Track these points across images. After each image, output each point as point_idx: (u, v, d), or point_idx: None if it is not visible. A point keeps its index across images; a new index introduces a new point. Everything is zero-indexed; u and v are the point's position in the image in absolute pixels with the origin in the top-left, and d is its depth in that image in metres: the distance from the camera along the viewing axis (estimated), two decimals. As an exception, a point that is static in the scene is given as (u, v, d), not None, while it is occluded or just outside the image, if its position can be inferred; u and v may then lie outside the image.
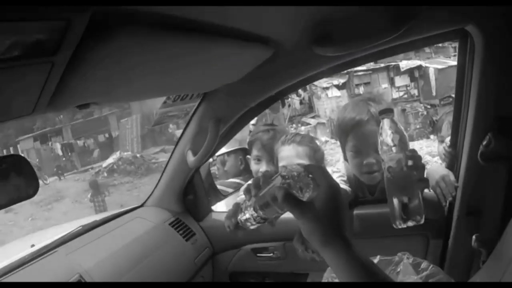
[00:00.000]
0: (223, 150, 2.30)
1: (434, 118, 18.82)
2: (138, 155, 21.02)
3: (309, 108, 21.44)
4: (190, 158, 1.67)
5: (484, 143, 1.31)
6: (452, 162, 1.53)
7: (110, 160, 20.90)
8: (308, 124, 19.66)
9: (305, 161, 1.81)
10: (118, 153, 21.81)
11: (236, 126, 1.74)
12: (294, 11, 1.01)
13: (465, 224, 1.50)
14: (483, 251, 1.37)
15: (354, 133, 1.63)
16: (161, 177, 2.04)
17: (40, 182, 0.82)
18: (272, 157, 2.02)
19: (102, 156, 23.15)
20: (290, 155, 1.85)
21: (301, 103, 21.29)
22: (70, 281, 1.38)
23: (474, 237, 1.40)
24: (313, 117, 20.36)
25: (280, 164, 1.87)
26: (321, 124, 19.15)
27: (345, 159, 1.74)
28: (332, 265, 0.72)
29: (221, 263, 2.07)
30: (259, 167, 2.08)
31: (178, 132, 24.33)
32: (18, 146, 25.27)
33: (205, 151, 1.56)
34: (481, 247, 1.37)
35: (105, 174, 19.74)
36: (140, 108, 24.39)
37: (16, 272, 1.36)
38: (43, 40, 0.59)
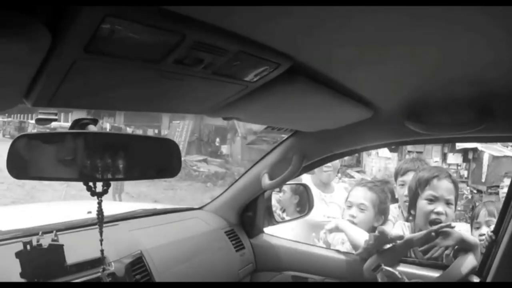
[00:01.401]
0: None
1: (477, 204, 18.17)
2: (182, 158, 21.01)
3: (357, 161, 21.21)
4: (266, 181, 1.83)
5: None
6: (491, 246, 1.67)
7: (155, 155, 21.18)
8: (352, 177, 19.38)
9: (367, 204, 2.09)
10: (164, 152, 21.99)
11: (314, 165, 1.94)
12: (398, 84, 1.19)
13: None
14: None
15: (434, 184, 1.92)
16: (228, 188, 2.21)
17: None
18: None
19: (147, 151, 23.52)
20: (359, 195, 2.14)
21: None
22: (132, 254, 1.47)
23: None
24: (358, 171, 20.11)
25: (348, 199, 2.18)
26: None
27: (409, 216, 2.03)
28: None
29: (259, 281, 2.18)
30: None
31: (224, 147, 24.62)
32: (70, 114, 25.99)
33: (283, 179, 1.72)
34: None
35: (146, 168, 20.02)
36: (194, 116, 24.94)
37: (78, 231, 1.47)
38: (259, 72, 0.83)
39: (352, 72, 0.99)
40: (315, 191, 2.64)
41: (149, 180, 17.30)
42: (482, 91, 1.19)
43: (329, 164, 2.56)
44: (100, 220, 1.09)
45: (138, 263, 1.48)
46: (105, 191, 1.03)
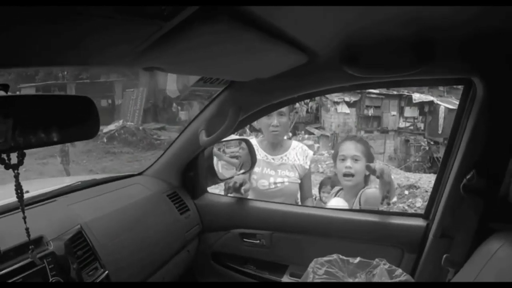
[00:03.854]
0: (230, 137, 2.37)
1: (435, 155, 19.04)
2: (140, 127, 20.86)
3: (315, 118, 21.50)
4: (203, 137, 1.74)
5: (468, 177, 1.47)
6: (435, 190, 1.72)
7: (112, 126, 20.73)
8: (312, 133, 19.69)
9: (360, 155, 2.33)
10: (121, 121, 21.64)
11: (252, 117, 1.88)
12: (334, 28, 1.12)
13: (438, 245, 1.64)
14: (450, 270, 1.53)
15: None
16: (166, 150, 2.11)
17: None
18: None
19: (102, 122, 22.83)
20: (350, 147, 2.37)
21: (307, 111, 21.37)
22: (71, 230, 1.39)
23: (444, 256, 1.54)
24: (317, 128, 20.42)
25: (341, 153, 2.39)
26: (325, 136, 19.21)
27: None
28: None
29: (208, 241, 2.15)
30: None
31: (182, 114, 24.26)
32: (18, 93, 24.91)
33: (220, 134, 1.62)
34: (450, 266, 1.53)
35: (105, 140, 19.61)
36: (147, 82, 24.29)
37: (15, 213, 1.34)
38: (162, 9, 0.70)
39: (282, 10, 0.89)
40: (261, 155, 2.60)
41: (111, 154, 17.09)
42: (418, 30, 1.14)
43: (275, 123, 2.49)
44: (20, 196, 0.96)
45: (78, 238, 1.40)
46: (20, 162, 0.91)
